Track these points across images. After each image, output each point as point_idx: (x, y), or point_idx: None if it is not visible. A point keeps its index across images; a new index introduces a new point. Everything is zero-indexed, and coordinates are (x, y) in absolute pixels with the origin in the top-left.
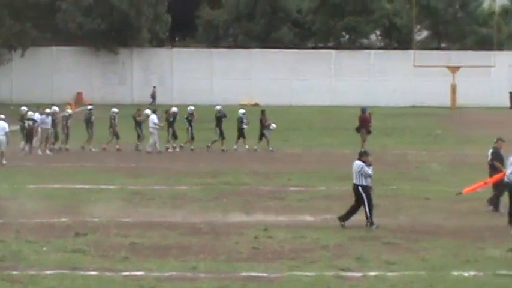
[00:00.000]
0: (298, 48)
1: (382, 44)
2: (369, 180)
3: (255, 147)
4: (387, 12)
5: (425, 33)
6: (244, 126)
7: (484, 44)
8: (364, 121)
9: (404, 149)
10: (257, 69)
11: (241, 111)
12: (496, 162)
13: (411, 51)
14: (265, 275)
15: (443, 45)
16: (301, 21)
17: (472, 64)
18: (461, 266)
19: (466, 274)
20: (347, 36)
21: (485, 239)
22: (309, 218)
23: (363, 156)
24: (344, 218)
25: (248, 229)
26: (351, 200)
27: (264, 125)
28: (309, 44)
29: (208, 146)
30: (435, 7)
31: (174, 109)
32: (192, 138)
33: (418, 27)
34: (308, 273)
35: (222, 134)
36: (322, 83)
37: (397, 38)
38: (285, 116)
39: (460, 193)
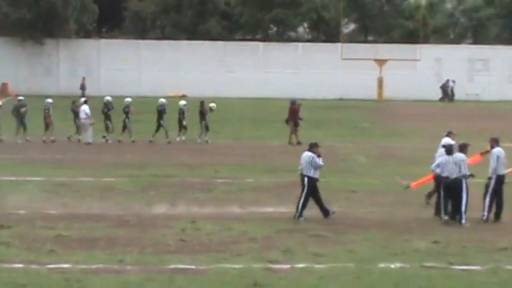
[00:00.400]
0: (226, 40)
1: (310, 36)
2: (317, 172)
3: (206, 138)
4: (315, 5)
5: (352, 27)
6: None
7: (411, 37)
8: (293, 113)
9: (331, 141)
10: (185, 61)
11: (182, 102)
12: None
13: (339, 44)
14: (192, 267)
15: (370, 38)
16: (229, 13)
17: (399, 57)
18: (388, 258)
19: (392, 266)
20: (275, 29)
21: (412, 231)
22: (236, 210)
23: (313, 147)
24: (324, 212)
25: (176, 221)
26: (279, 192)
27: (204, 116)
28: (237, 36)
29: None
30: (362, 1)
31: (108, 98)
32: (123, 130)
33: (346, 20)
34: (236, 266)
35: (158, 128)
36: (251, 75)
37: (325, 31)
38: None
39: (409, 187)
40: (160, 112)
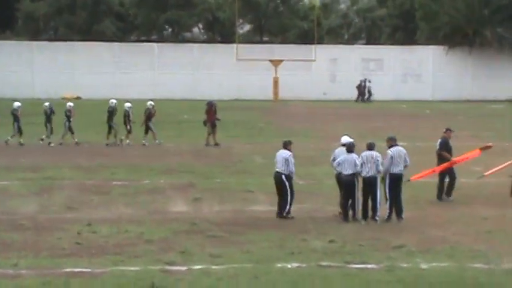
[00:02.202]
0: (121, 41)
1: (205, 37)
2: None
3: (143, 141)
4: (210, 5)
5: (247, 27)
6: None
7: (306, 37)
8: (210, 114)
9: (228, 142)
10: (80, 63)
11: (127, 104)
12: (443, 152)
13: (234, 45)
14: (88, 270)
15: (265, 38)
16: (123, 14)
17: (294, 58)
18: (286, 257)
19: (289, 266)
20: (170, 30)
21: (309, 230)
22: (132, 212)
23: (288, 145)
24: (279, 212)
25: (71, 224)
26: (175, 193)
27: (150, 118)
28: (132, 37)
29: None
30: (257, 1)
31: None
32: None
33: (241, 21)
34: (132, 268)
35: (110, 129)
36: (146, 76)
37: (220, 32)
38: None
39: (409, 180)
40: (111, 113)
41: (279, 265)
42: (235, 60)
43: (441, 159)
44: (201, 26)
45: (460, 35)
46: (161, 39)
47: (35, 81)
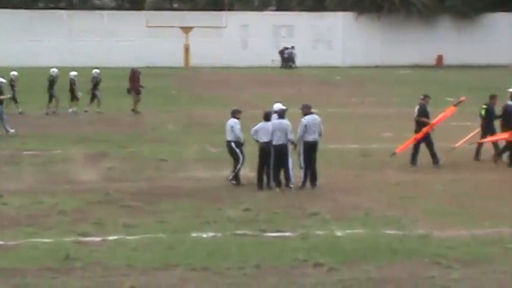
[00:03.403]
0: (29, 8)
1: (114, 4)
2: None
3: (86, 108)
4: None
5: None
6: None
7: (216, 4)
8: (134, 81)
9: (141, 109)
10: None
11: (73, 73)
12: (422, 118)
13: (144, 12)
14: (1, 242)
15: (175, 5)
16: None
17: (205, 24)
18: (201, 227)
19: (205, 235)
20: None
21: (223, 199)
22: (45, 183)
23: (235, 113)
24: (235, 177)
25: None
26: (88, 163)
27: (96, 86)
28: (41, 4)
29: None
30: None
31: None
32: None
33: None
34: (46, 240)
35: (51, 98)
36: (56, 43)
37: None
38: (20, 78)
39: (395, 153)
40: (52, 82)
41: (195, 234)
42: (146, 27)
43: (419, 125)
44: None
45: (369, 1)
46: (70, 6)
47: None
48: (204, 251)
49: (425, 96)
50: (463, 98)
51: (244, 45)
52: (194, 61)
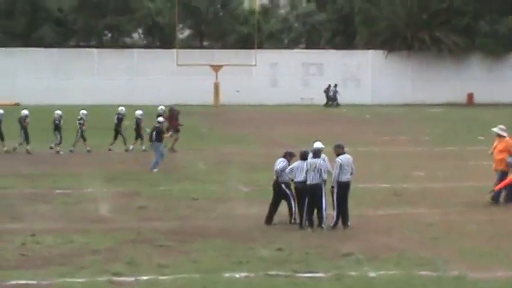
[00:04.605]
0: (60, 47)
1: (145, 42)
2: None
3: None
4: (150, 11)
5: (187, 32)
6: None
7: (245, 42)
8: (173, 119)
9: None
10: (19, 69)
11: (138, 112)
12: None
13: (174, 50)
14: (34, 282)
15: (205, 43)
16: (62, 19)
17: (234, 62)
18: (233, 267)
19: (237, 275)
20: (109, 35)
21: (255, 239)
22: (77, 222)
23: (287, 156)
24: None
25: (14, 235)
26: (119, 202)
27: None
28: (72, 43)
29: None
30: (196, 6)
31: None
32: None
33: (181, 26)
34: (79, 280)
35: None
36: (86, 82)
37: (160, 37)
38: (49, 115)
39: (493, 190)
40: (120, 120)
41: (227, 275)
42: (176, 66)
43: None
44: (140, 31)
45: (399, 39)
46: (100, 45)
47: None
48: None
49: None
50: None
51: (274, 83)
52: (223, 99)
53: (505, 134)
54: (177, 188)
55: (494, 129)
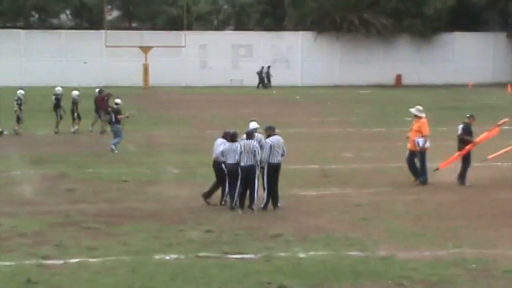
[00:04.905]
0: None
1: (73, 24)
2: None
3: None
4: None
5: (116, 13)
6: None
7: (175, 24)
8: (101, 102)
9: (97, 129)
10: None
11: (75, 92)
12: (466, 136)
13: (103, 31)
14: None
15: (134, 25)
16: None
17: (164, 44)
18: (163, 249)
19: (168, 257)
20: (37, 16)
21: (185, 221)
22: (4, 204)
23: (226, 136)
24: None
25: None
26: (48, 184)
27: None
28: None
29: None
30: None
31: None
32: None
33: (109, 7)
34: (7, 263)
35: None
36: (13, 63)
37: (88, 18)
38: None
39: (438, 169)
40: (59, 101)
41: (157, 257)
42: (104, 47)
43: (463, 142)
44: (68, 12)
45: (328, 20)
46: (27, 26)
47: None
48: (167, 273)
49: (471, 116)
50: (506, 119)
51: (203, 65)
52: (153, 81)
53: (422, 114)
54: (106, 170)
55: (412, 110)
